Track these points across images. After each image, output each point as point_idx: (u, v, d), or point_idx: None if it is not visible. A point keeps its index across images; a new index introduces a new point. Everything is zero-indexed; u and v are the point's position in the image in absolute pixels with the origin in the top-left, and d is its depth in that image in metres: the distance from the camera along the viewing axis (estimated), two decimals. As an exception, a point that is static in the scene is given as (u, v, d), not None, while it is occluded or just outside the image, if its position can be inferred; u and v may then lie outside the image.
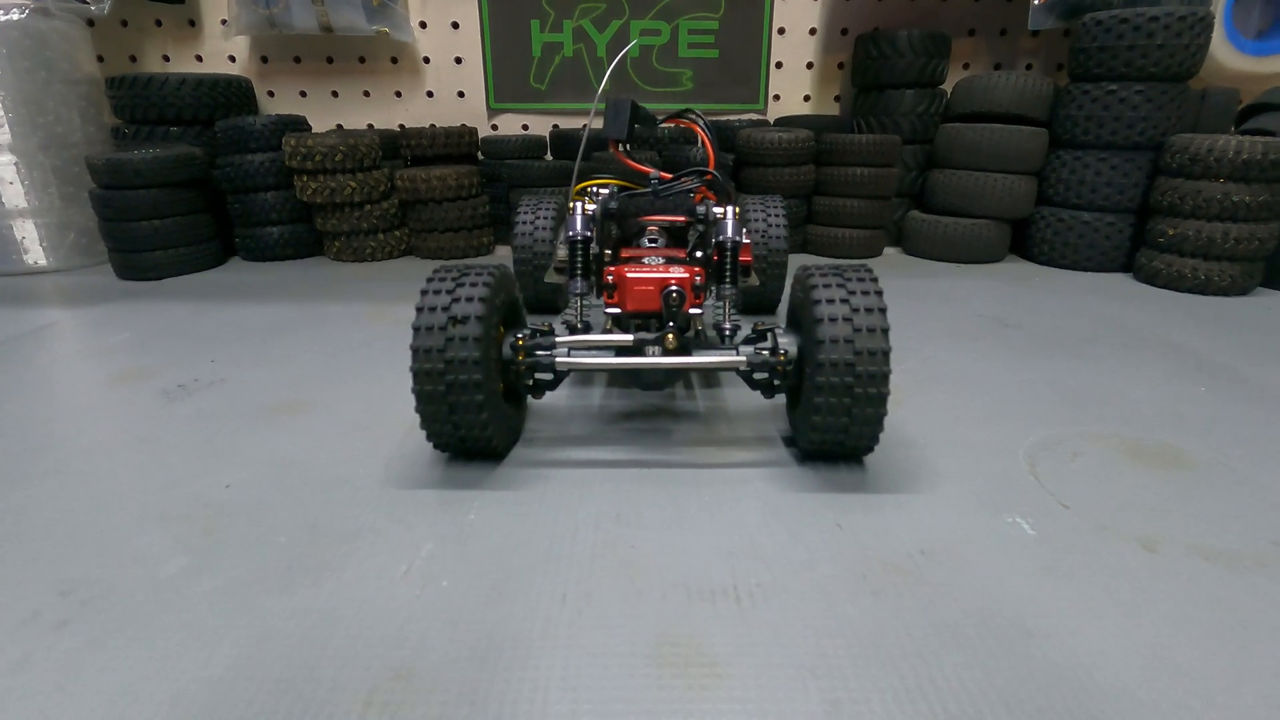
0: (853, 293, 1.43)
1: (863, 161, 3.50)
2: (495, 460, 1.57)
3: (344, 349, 2.32)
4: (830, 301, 1.42)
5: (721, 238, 1.66)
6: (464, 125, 4.04)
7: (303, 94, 4.08)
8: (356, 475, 1.51)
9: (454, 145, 3.80)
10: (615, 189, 1.97)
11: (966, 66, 4.08)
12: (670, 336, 1.50)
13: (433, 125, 4.12)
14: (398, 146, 3.88)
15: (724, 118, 4.10)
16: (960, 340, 2.39)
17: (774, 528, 1.32)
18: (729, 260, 1.66)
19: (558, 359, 1.52)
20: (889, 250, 3.84)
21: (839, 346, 1.38)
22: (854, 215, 3.57)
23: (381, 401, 1.89)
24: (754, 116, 4.15)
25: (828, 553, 1.24)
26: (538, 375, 1.57)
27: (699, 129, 2.00)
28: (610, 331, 1.66)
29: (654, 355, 1.52)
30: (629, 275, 1.54)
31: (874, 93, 3.76)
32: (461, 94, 4.12)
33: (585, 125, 1.84)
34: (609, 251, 1.82)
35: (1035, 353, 2.27)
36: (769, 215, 2.53)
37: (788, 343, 1.53)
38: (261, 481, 1.49)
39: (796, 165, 3.57)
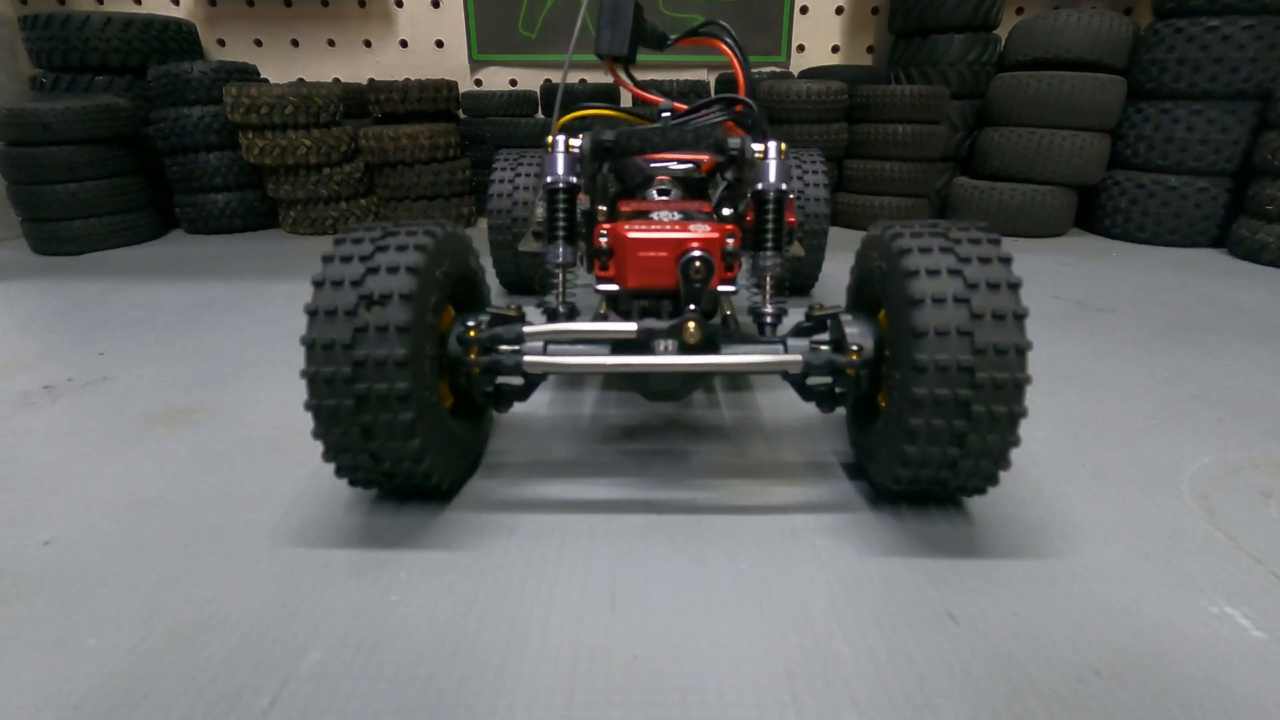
0: (966, 260, 0.96)
1: (904, 117, 2.99)
2: (439, 501, 1.10)
3: (272, 337, 1.84)
4: (934, 273, 0.94)
5: (762, 185, 1.18)
6: (442, 79, 3.54)
7: (258, 43, 3.57)
8: (238, 525, 1.05)
9: (429, 100, 3.29)
10: (612, 123, 1.49)
11: (1020, 12, 3.54)
12: (691, 326, 1.03)
13: (407, 79, 3.62)
14: (365, 103, 3.38)
15: (740, 71, 3.58)
16: (1047, 327, 1.91)
17: (853, 621, 0.85)
18: (772, 217, 1.18)
19: (527, 358, 1.05)
20: (930, 222, 3.33)
21: (949, 342, 0.90)
22: (893, 181, 3.07)
23: (302, 409, 1.42)
24: (775, 69, 3.64)
25: (945, 672, 0.78)
26: (500, 380, 1.10)
27: (726, 49, 1.50)
28: (604, 317, 1.18)
29: (667, 353, 1.05)
30: (630, 235, 1.06)
31: (916, 39, 3.24)
32: (440, 44, 3.61)
33: (565, 65, 1.34)
34: (604, 209, 1.34)
35: (1143, 343, 1.78)
36: (807, 173, 2.04)
37: (859, 334, 1.06)
38: (99, 535, 1.03)
39: (827, 122, 3.06)
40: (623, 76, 1.41)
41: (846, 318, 1.09)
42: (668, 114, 1.38)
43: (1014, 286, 0.94)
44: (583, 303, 1.50)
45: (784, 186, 1.18)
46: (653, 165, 1.46)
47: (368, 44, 3.59)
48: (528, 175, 2.10)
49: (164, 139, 2.95)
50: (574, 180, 1.19)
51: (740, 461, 1.23)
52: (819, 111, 3.00)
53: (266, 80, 3.43)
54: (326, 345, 0.93)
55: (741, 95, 1.45)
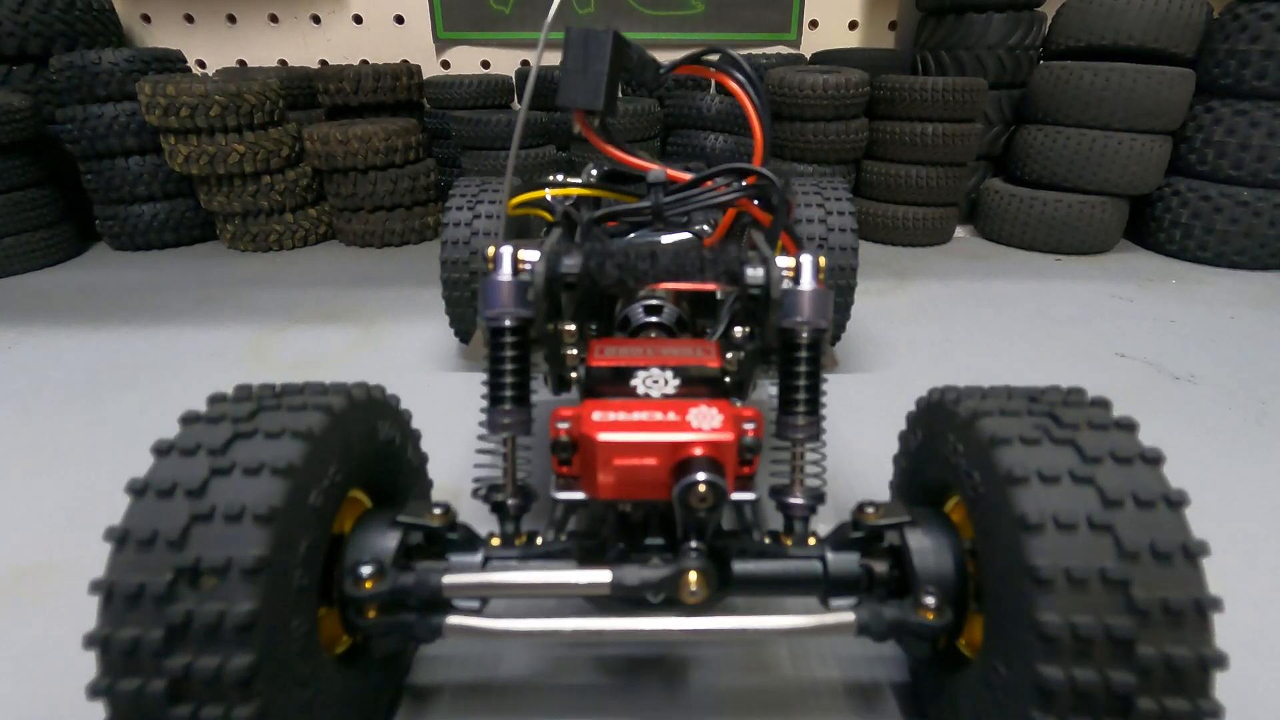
0: (1095, 460, 0.63)
1: (934, 115, 2.58)
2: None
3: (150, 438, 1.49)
4: (1051, 481, 0.62)
5: (793, 323, 0.82)
6: (404, 62, 3.09)
7: (189, 19, 3.09)
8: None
9: (387, 90, 2.86)
10: (582, 210, 1.13)
11: (1065, -18, 3.09)
12: (692, 579, 0.69)
13: (364, 62, 3.17)
14: (314, 91, 2.94)
15: (745, 51, 3.13)
16: (1124, 409, 1.57)
17: None
18: (806, 369, 0.83)
19: (450, 619, 0.71)
20: (959, 231, 2.96)
21: (1089, 595, 0.58)
22: (918, 188, 2.68)
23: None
24: (784, 50, 3.19)
25: None
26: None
27: (735, 86, 1.11)
28: (564, 525, 0.84)
29: (656, 611, 0.71)
30: (601, 438, 0.71)
31: (947, 17, 2.80)
32: (400, 19, 3.14)
33: (531, 66, 0.93)
34: (570, 328, 0.98)
35: (1268, 444, 1.45)
36: (830, 208, 1.67)
37: (933, 560, 0.73)
38: None
39: (845, 119, 2.65)
40: (598, 136, 1.04)
41: (915, 534, 0.76)
42: (658, 187, 1.01)
43: (1175, 504, 0.62)
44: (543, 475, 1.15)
45: (823, 324, 0.83)
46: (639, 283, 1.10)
47: (316, 19, 3.12)
48: (491, 205, 1.72)
49: (74, 143, 2.53)
50: (525, 315, 0.83)
51: (757, 682, 0.91)
52: (836, 107, 2.59)
53: (192, 70, 2.98)
54: (128, 650, 0.59)
55: (758, 157, 1.09)
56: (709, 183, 1.00)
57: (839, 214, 1.66)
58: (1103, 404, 0.75)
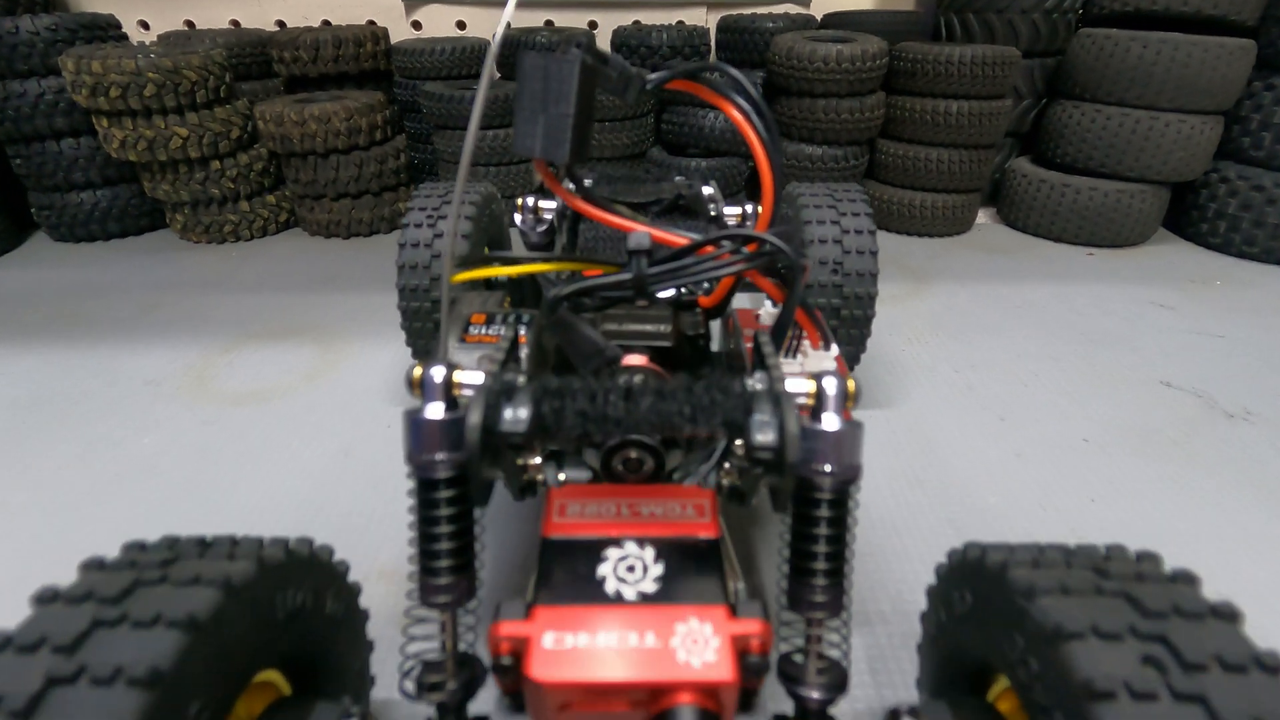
0: (1198, 666, 0.46)
1: (960, 90, 2.31)
2: None
3: (69, 526, 1.30)
4: (1145, 699, 0.46)
5: (816, 469, 0.62)
6: (370, 25, 2.78)
7: (126, -26, 2.76)
8: None
9: (350, 58, 2.57)
10: (547, 288, 0.93)
11: (1109, -70, 2.75)
12: None
13: (325, 23, 2.86)
14: (269, 61, 2.64)
15: (747, 10, 2.82)
16: (1172, 457, 1.38)
17: None
18: (828, 526, 0.64)
19: None
20: (979, 216, 2.71)
21: None
22: (938, 172, 2.43)
23: None
24: (791, 11, 2.87)
25: None
26: None
27: (737, 115, 0.88)
28: None
29: None
30: (550, 676, 0.52)
31: (977, -25, 2.49)
32: None
33: (494, 39, 0.67)
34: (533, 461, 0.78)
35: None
36: (847, 224, 1.45)
37: None
38: None
39: (860, 95, 2.38)
40: (565, 188, 0.82)
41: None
42: (640, 253, 0.80)
43: None
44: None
45: (853, 471, 0.63)
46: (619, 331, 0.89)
47: (270, -25, 2.79)
48: (460, 215, 1.49)
49: (-3, 123, 2.26)
50: (462, 457, 0.64)
51: None
52: (852, 82, 2.31)
53: (130, 37, 2.67)
54: None
55: (767, 205, 0.87)
56: (706, 249, 0.79)
57: (856, 233, 1.44)
58: (1189, 580, 0.56)
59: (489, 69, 0.69)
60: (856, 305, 1.42)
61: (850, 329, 1.44)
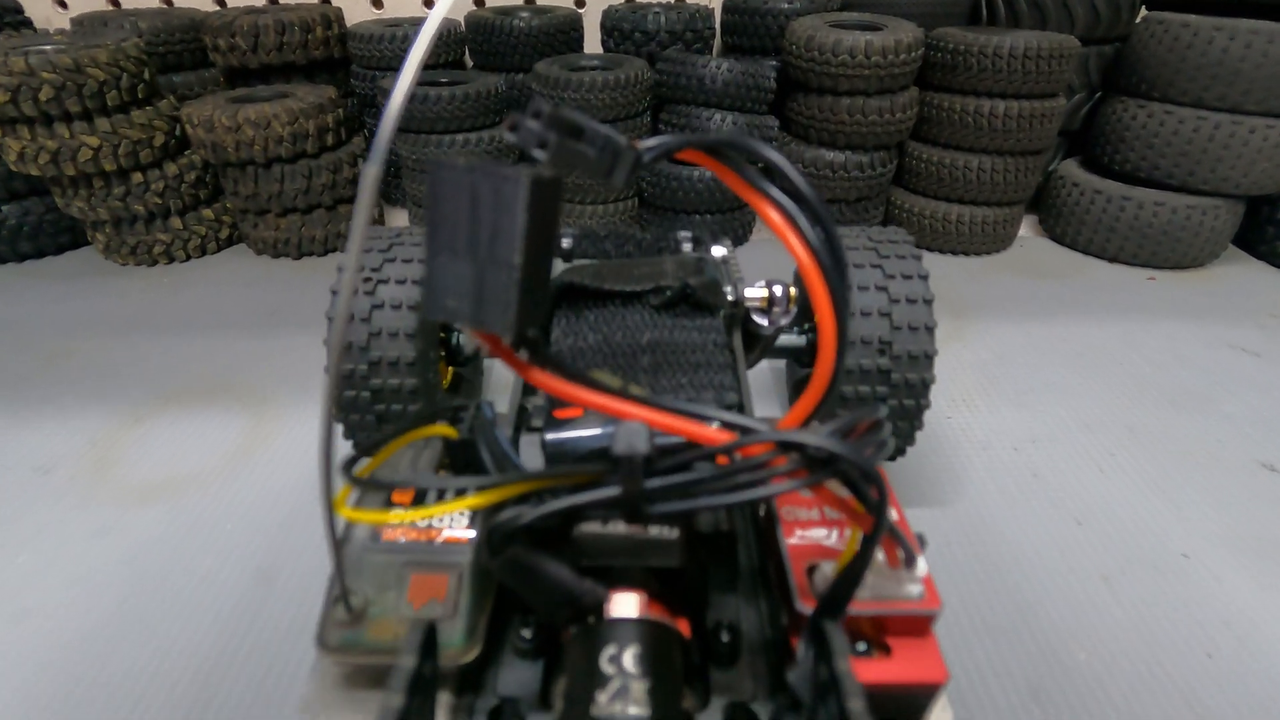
0: None
1: (1007, 88, 1.97)
2: None
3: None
4: None
5: None
6: (323, 4, 2.41)
7: (34, -56, 2.38)
8: None
9: (297, 46, 2.21)
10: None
11: (1177, -108, 2.38)
12: None
13: (272, 2, 2.48)
14: (203, 49, 2.27)
15: (759, -12, 2.45)
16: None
17: None
18: None
19: None
20: (1022, 227, 2.39)
21: None
22: (979, 182, 2.10)
23: None
24: (809, -14, 2.50)
25: None
26: None
27: (778, 219, 0.56)
28: None
29: None
30: None
31: (1028, -53, 2.13)
32: None
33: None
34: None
35: None
36: (897, 291, 1.15)
37: None
38: None
39: (891, 93, 2.04)
40: (521, 361, 0.51)
41: None
42: (633, 459, 0.50)
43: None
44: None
45: None
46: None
47: (204, -56, 2.40)
48: (402, 272, 1.18)
49: (-126, 130, 1.91)
50: None
51: None
52: (882, 78, 1.97)
53: (46, 19, 2.30)
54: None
55: (823, 376, 0.56)
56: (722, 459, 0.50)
57: (909, 302, 1.14)
58: None
59: (412, 69, 0.38)
60: (908, 394, 1.12)
61: (899, 422, 1.15)
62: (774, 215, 0.55)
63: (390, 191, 2.51)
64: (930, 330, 1.12)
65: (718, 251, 1.15)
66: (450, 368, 1.35)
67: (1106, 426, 1.46)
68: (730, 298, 0.97)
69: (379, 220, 2.32)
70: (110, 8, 2.46)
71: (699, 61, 2.02)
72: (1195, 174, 1.98)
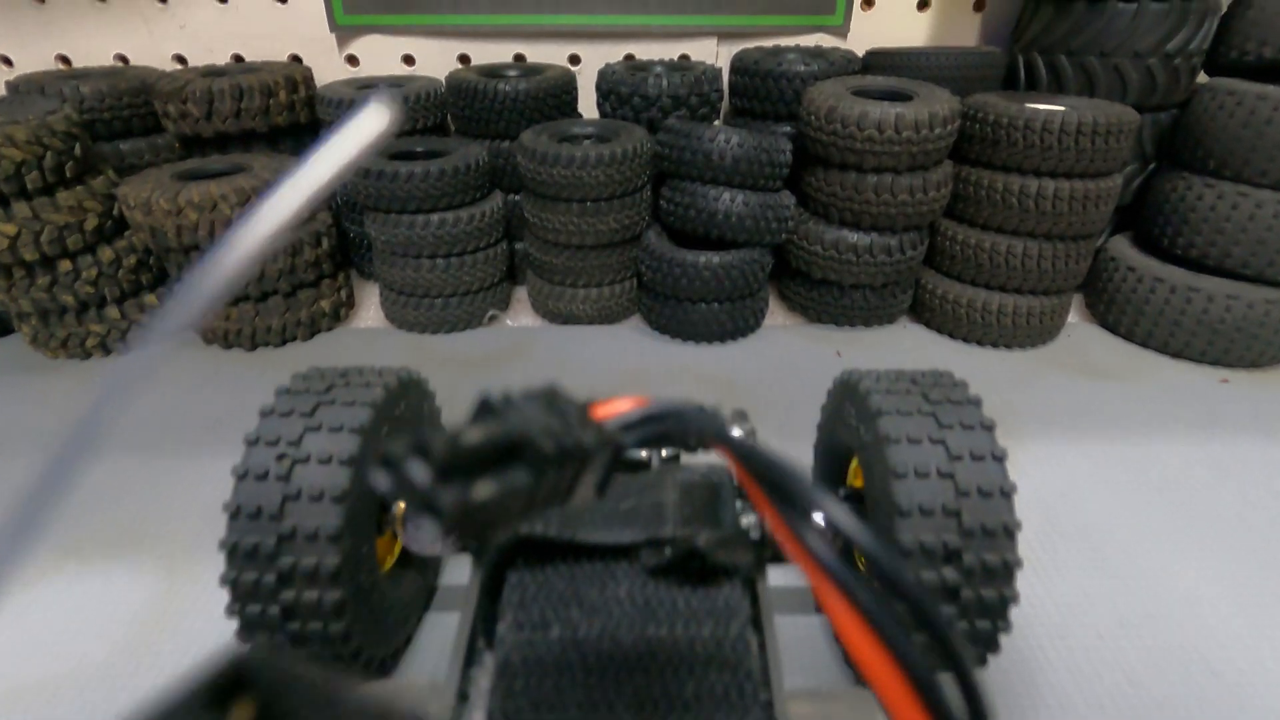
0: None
1: (1055, 166, 1.73)
2: None
3: None
4: None
5: None
6: (291, 62, 2.20)
7: (-26, -2, 2.17)
8: None
9: (259, 113, 1.98)
10: None
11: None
12: None
13: (237, 59, 2.27)
14: (154, 116, 2.05)
15: (768, 42, 2.24)
16: None
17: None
18: None
19: None
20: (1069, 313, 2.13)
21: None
22: (1023, 269, 1.85)
23: None
24: (825, 44, 2.29)
25: None
26: None
27: (794, 542, 0.31)
28: None
29: None
30: None
31: (1072, 4, 1.91)
32: None
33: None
34: None
35: None
36: (958, 444, 0.90)
37: None
38: None
39: (925, 169, 1.80)
40: None
41: None
42: None
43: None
44: None
45: None
46: None
47: (162, -1, 2.19)
48: (332, 434, 0.92)
49: None
50: None
51: None
52: (914, 155, 1.74)
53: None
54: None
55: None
56: None
57: (975, 459, 0.89)
58: None
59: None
60: (986, 582, 0.86)
61: (977, 620, 0.87)
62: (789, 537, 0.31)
63: (363, 265, 2.28)
64: (1006, 495, 0.87)
65: (734, 432, 0.89)
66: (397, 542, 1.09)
67: (1211, 601, 1.19)
68: (754, 535, 0.70)
69: (347, 304, 2.07)
70: (60, 66, 2.25)
71: (706, 133, 1.79)
72: (1276, 264, 1.73)
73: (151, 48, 2.25)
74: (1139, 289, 1.90)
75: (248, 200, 1.73)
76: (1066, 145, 1.69)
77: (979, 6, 2.28)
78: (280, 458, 0.89)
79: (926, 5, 2.28)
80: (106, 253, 1.79)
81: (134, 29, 2.22)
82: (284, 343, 1.95)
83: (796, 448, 1.53)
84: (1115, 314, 1.98)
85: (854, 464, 1.12)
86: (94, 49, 2.24)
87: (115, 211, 1.79)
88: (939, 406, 0.94)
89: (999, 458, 0.88)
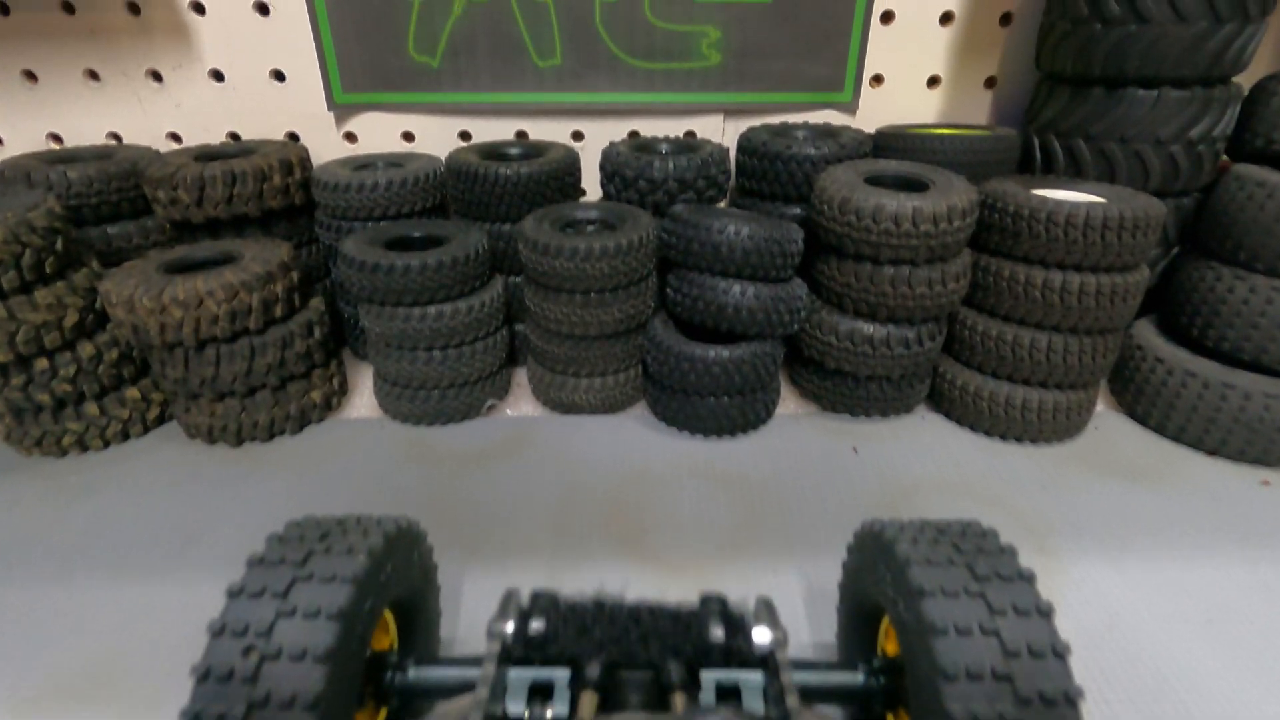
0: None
1: (1079, 259, 1.66)
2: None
3: None
4: None
5: None
6: (287, 141, 2.15)
7: (-35, 79, 2.13)
8: None
9: (252, 198, 1.92)
10: None
11: None
12: None
13: (233, 137, 2.22)
14: (145, 198, 1.99)
15: (775, 119, 2.19)
16: None
17: None
18: None
19: None
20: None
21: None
22: (1047, 363, 1.77)
23: None
24: (834, 122, 2.24)
25: None
26: None
27: None
28: None
29: None
30: None
31: (1090, 91, 1.86)
32: (279, 75, 2.17)
33: None
34: None
35: None
36: (999, 598, 0.81)
37: None
38: None
39: (943, 261, 1.73)
40: None
41: None
42: None
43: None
44: None
45: None
46: None
47: (156, 77, 2.15)
48: (308, 619, 0.82)
49: None
50: None
51: None
52: (932, 248, 1.67)
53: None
54: None
55: None
56: None
57: (1019, 613, 0.83)
58: None
59: None
60: None
61: None
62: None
63: (357, 346, 2.19)
64: (1060, 657, 0.78)
65: (760, 639, 0.80)
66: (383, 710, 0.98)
67: (1281, 773, 1.07)
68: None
69: (340, 392, 1.98)
70: (52, 145, 2.20)
71: (714, 225, 1.72)
72: (1315, 363, 1.65)
73: (146, 126, 2.20)
74: (1169, 382, 1.81)
75: (235, 294, 1.65)
76: (1092, 240, 1.62)
77: (990, 84, 2.23)
78: (247, 651, 0.79)
79: (937, 82, 2.23)
80: (87, 348, 1.71)
81: (128, 107, 2.17)
82: (271, 437, 1.85)
83: (816, 563, 1.43)
84: (1144, 405, 1.89)
85: (884, 625, 1.02)
86: (87, 128, 2.19)
87: (98, 304, 1.71)
88: (972, 557, 0.86)
89: (1045, 613, 0.80)
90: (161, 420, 1.91)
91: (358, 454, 1.81)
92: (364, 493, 1.68)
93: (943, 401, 1.95)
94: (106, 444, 1.82)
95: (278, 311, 1.76)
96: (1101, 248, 1.63)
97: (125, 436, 1.84)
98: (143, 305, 1.59)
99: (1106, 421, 1.94)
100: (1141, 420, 1.91)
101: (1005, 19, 2.14)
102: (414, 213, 2.02)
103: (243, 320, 1.69)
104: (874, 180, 1.80)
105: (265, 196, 1.93)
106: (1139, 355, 1.89)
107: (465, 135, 2.28)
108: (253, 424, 1.80)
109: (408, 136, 2.28)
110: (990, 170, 1.95)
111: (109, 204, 1.93)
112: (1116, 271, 1.68)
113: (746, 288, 1.74)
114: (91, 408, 1.76)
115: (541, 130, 2.27)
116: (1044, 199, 1.67)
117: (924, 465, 1.77)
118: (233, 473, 1.74)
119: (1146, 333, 1.94)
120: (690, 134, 2.29)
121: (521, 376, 2.14)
